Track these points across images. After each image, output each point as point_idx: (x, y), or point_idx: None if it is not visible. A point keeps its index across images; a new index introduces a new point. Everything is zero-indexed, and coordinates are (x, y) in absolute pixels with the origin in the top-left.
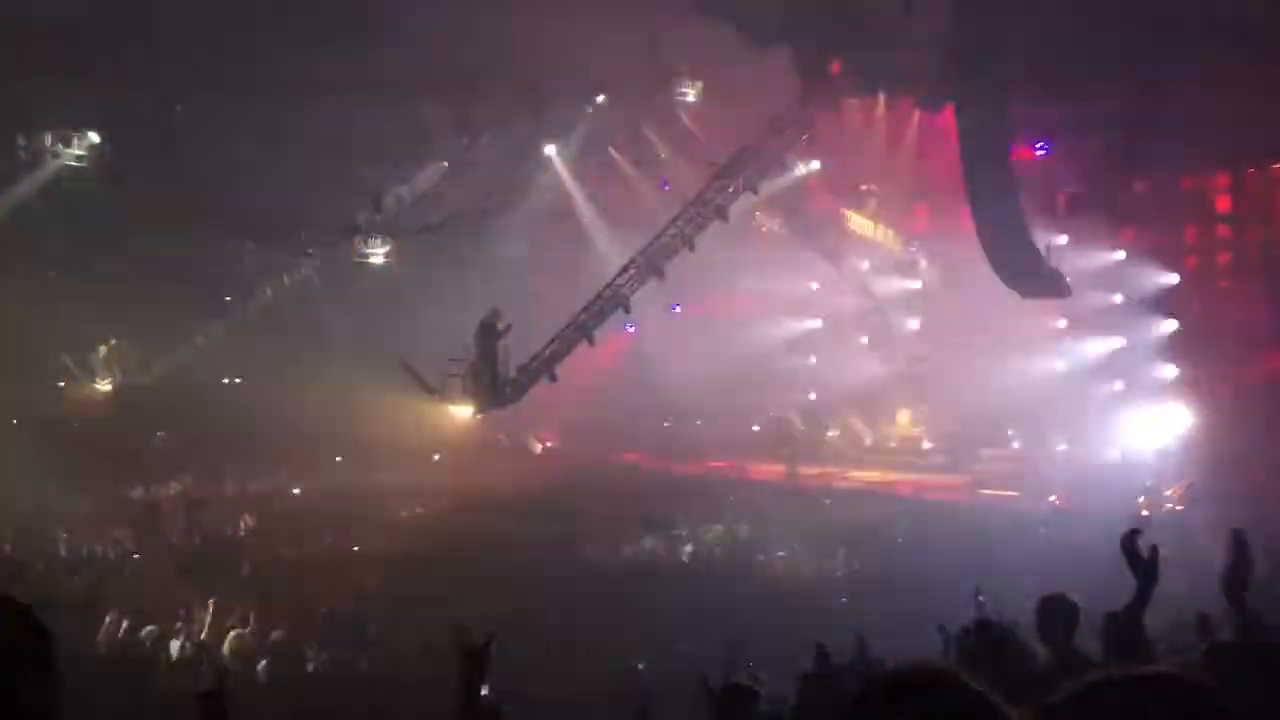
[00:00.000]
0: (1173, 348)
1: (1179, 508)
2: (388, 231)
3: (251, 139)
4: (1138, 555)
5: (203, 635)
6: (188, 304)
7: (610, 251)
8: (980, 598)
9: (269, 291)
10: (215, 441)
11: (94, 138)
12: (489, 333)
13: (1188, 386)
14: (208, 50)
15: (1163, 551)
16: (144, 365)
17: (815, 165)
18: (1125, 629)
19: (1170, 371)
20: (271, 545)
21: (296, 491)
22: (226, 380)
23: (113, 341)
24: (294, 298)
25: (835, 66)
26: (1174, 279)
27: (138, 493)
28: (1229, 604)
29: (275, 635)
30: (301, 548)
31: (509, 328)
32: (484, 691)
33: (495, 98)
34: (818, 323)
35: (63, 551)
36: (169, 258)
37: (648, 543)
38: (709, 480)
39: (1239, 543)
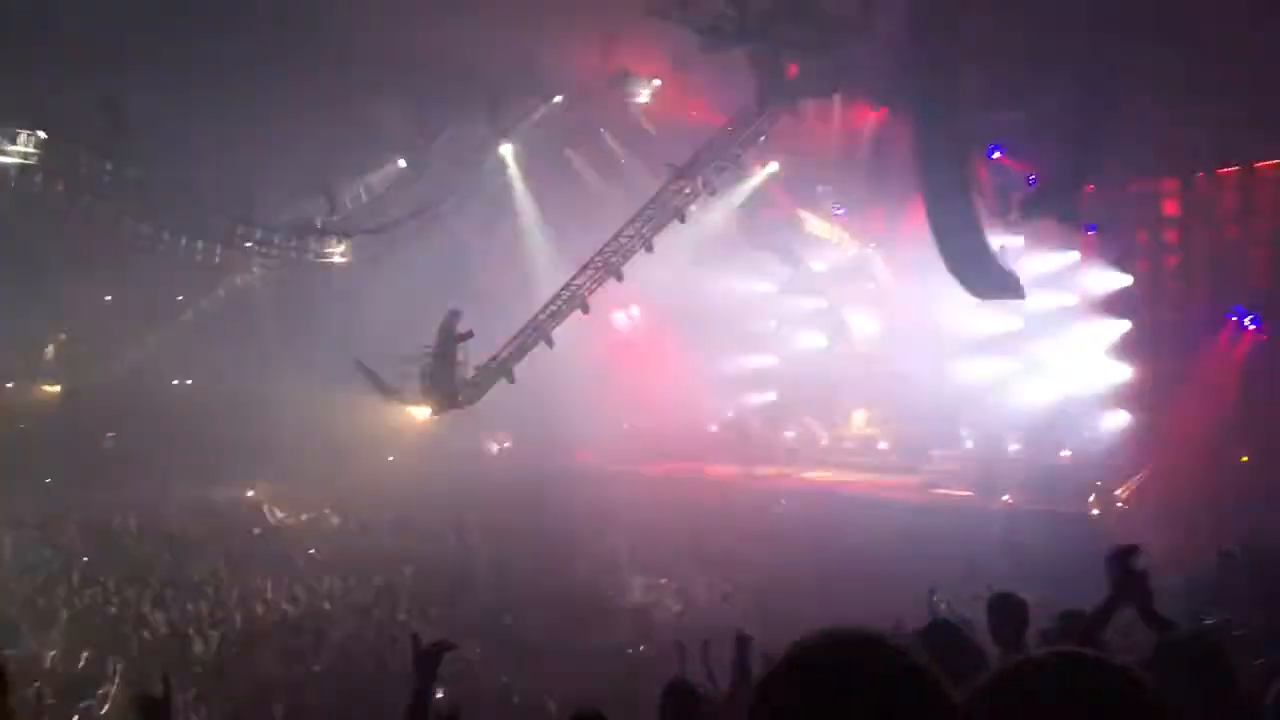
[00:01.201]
0: (1125, 349)
1: (1128, 507)
2: (344, 231)
3: (204, 138)
4: (1131, 573)
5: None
6: (138, 304)
7: (567, 252)
8: (935, 598)
9: (221, 291)
10: (166, 444)
11: (41, 135)
12: (449, 334)
13: (1138, 388)
14: (159, 48)
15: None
16: (93, 365)
17: (773, 167)
18: (1088, 630)
19: (1122, 373)
20: (223, 547)
21: (250, 494)
22: (178, 381)
23: (62, 337)
24: (247, 298)
25: (793, 68)
26: (1127, 281)
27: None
28: (1142, 618)
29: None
30: (253, 552)
31: (470, 334)
32: (439, 695)
33: (451, 98)
34: (774, 324)
35: (9, 556)
36: (118, 257)
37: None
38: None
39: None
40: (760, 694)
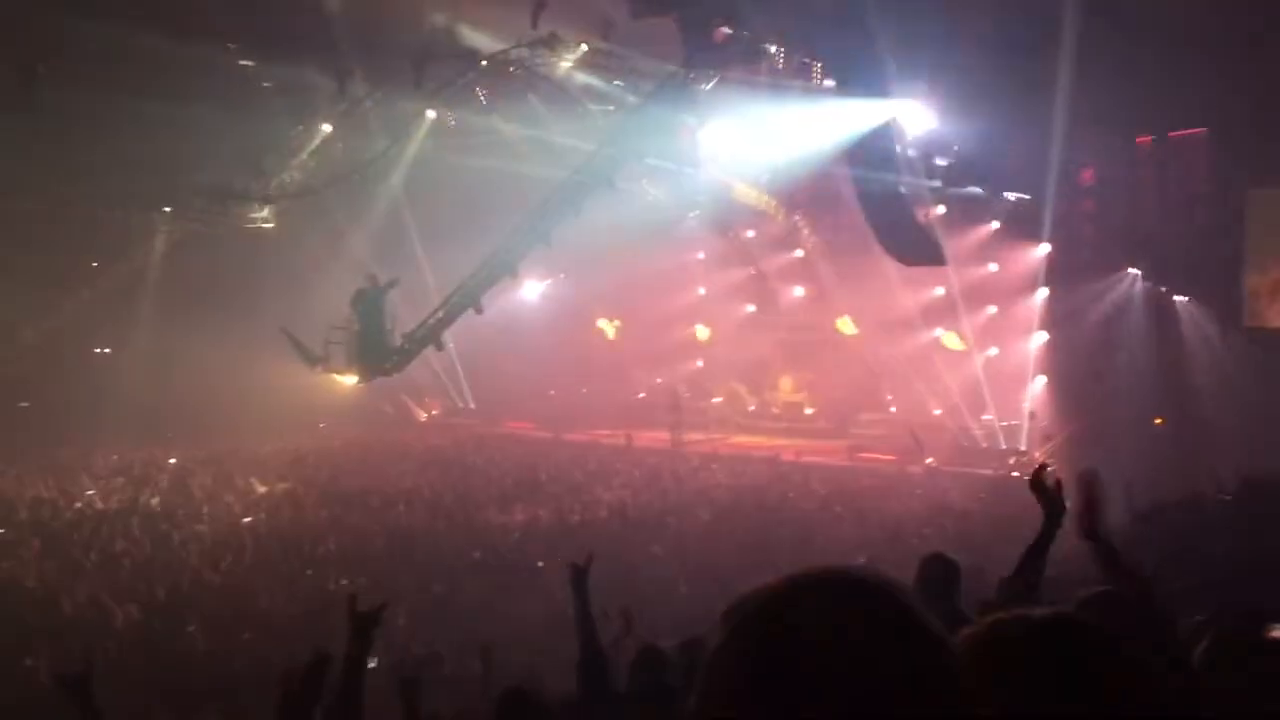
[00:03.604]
0: (1043, 315)
1: (1047, 467)
2: (267, 196)
3: (121, 100)
4: (1045, 488)
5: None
6: (53, 271)
7: (495, 217)
8: (862, 562)
9: (141, 257)
10: (86, 412)
11: None
12: (369, 299)
13: (1056, 353)
14: (72, 8)
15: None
16: (7, 333)
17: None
18: (1032, 563)
19: (1041, 338)
20: (146, 516)
21: (173, 461)
22: (99, 350)
23: None
24: (167, 264)
25: (719, 34)
26: (1045, 249)
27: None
28: (1086, 541)
29: (152, 608)
30: (177, 519)
31: (394, 282)
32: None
33: (377, 61)
34: (703, 291)
35: None
36: (32, 222)
37: (538, 510)
38: (595, 448)
39: (1086, 483)
40: (741, 644)
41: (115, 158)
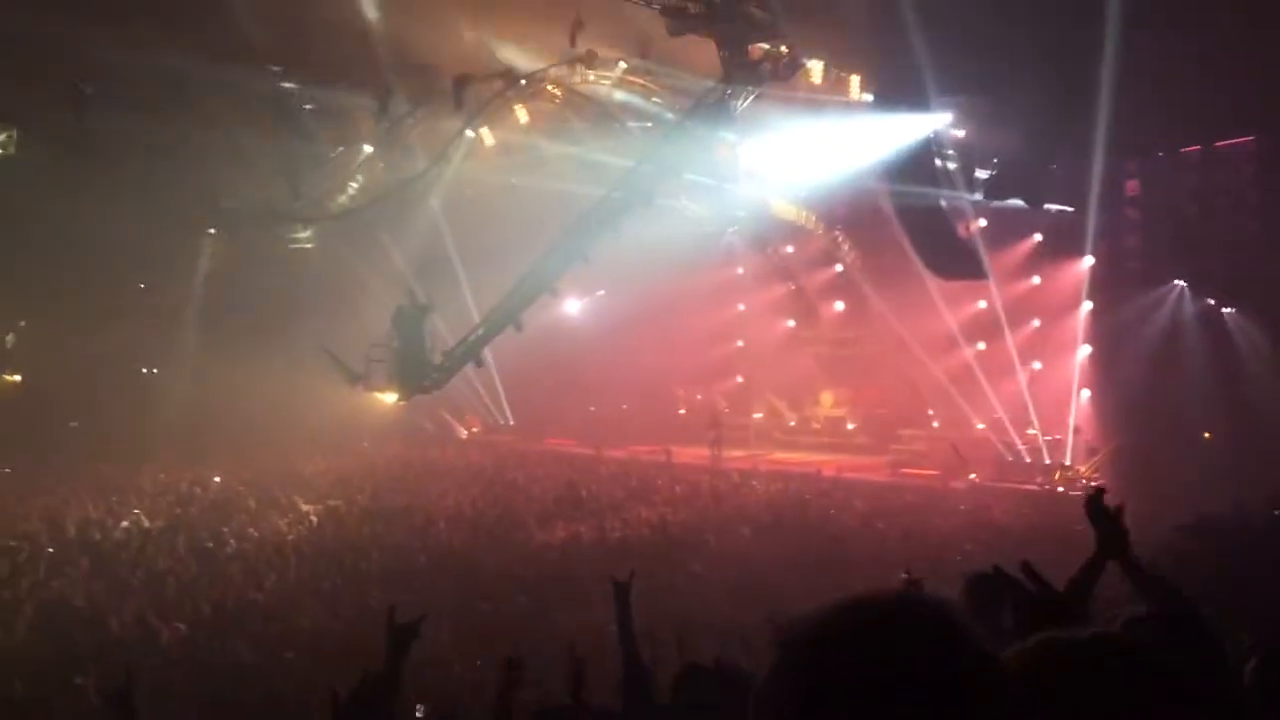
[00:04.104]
0: (1087, 328)
1: (1091, 483)
2: (309, 216)
3: (165, 123)
4: (1104, 513)
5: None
6: (100, 292)
7: (534, 235)
8: (905, 576)
9: (186, 279)
10: (132, 431)
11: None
12: (409, 317)
13: (1100, 366)
14: (119, 33)
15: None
16: (56, 353)
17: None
18: (1079, 589)
19: (1085, 351)
20: (192, 535)
21: (217, 480)
22: (145, 370)
23: (22, 324)
24: (211, 284)
25: (757, 50)
26: (1089, 260)
27: (52, 486)
28: (1122, 569)
29: (198, 626)
30: (221, 538)
31: (428, 307)
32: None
33: (417, 82)
34: (742, 307)
35: None
36: (81, 245)
37: (579, 527)
38: (636, 464)
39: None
40: (791, 673)
41: (159, 180)
